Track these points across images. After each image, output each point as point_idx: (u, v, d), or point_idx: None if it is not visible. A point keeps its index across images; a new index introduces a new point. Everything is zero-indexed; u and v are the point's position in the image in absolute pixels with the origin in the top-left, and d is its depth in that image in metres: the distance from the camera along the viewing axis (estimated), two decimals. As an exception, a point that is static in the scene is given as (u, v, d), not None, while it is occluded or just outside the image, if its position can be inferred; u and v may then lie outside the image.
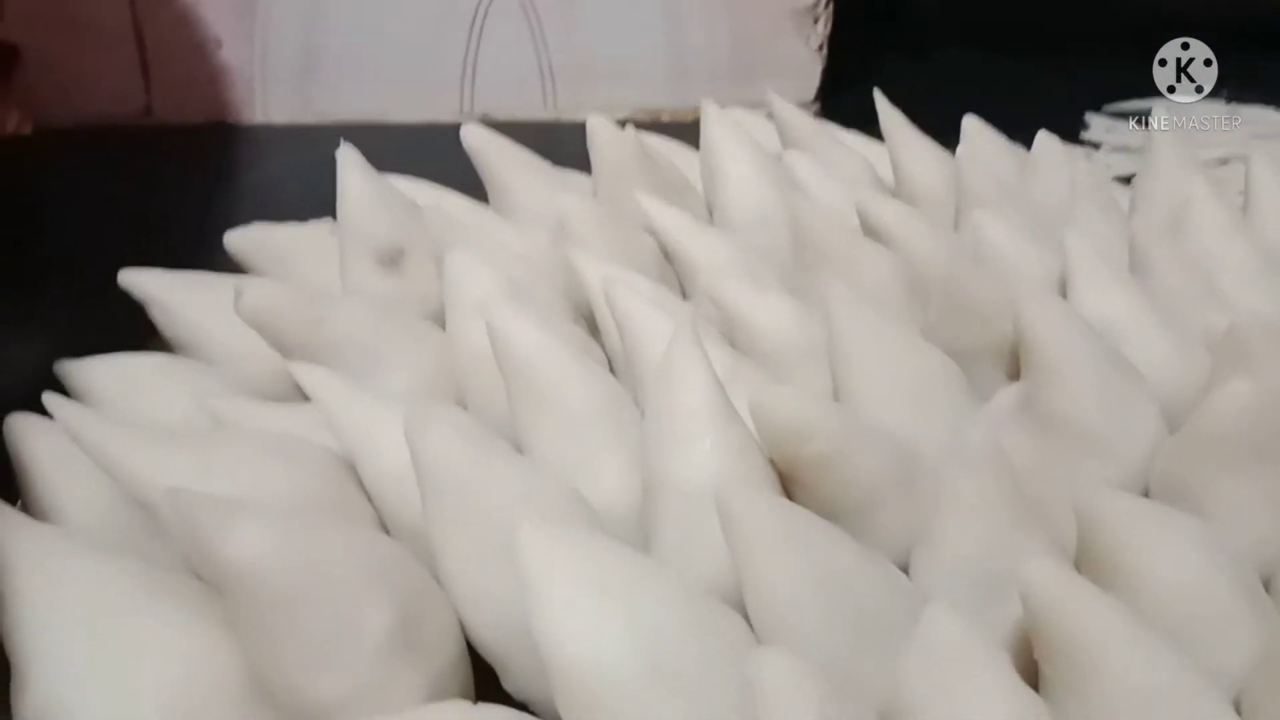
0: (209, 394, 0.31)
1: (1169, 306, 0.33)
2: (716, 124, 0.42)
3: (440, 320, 0.34)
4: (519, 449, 0.29)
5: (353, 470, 0.29)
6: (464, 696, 0.25)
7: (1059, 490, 0.27)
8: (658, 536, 0.26)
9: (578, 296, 0.35)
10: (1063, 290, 0.34)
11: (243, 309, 0.32)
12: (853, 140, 0.48)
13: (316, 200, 0.38)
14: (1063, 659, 0.22)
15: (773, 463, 0.27)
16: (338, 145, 0.37)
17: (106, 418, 0.28)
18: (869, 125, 0.46)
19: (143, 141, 0.59)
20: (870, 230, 0.38)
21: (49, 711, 0.22)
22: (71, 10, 0.57)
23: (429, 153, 0.46)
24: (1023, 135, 0.46)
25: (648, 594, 0.22)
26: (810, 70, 0.63)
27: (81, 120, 0.58)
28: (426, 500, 0.25)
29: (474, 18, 0.61)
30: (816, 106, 0.63)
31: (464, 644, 0.25)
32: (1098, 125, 0.60)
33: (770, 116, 0.48)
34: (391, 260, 0.36)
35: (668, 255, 0.38)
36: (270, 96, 0.61)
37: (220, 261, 0.39)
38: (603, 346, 0.34)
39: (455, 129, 0.41)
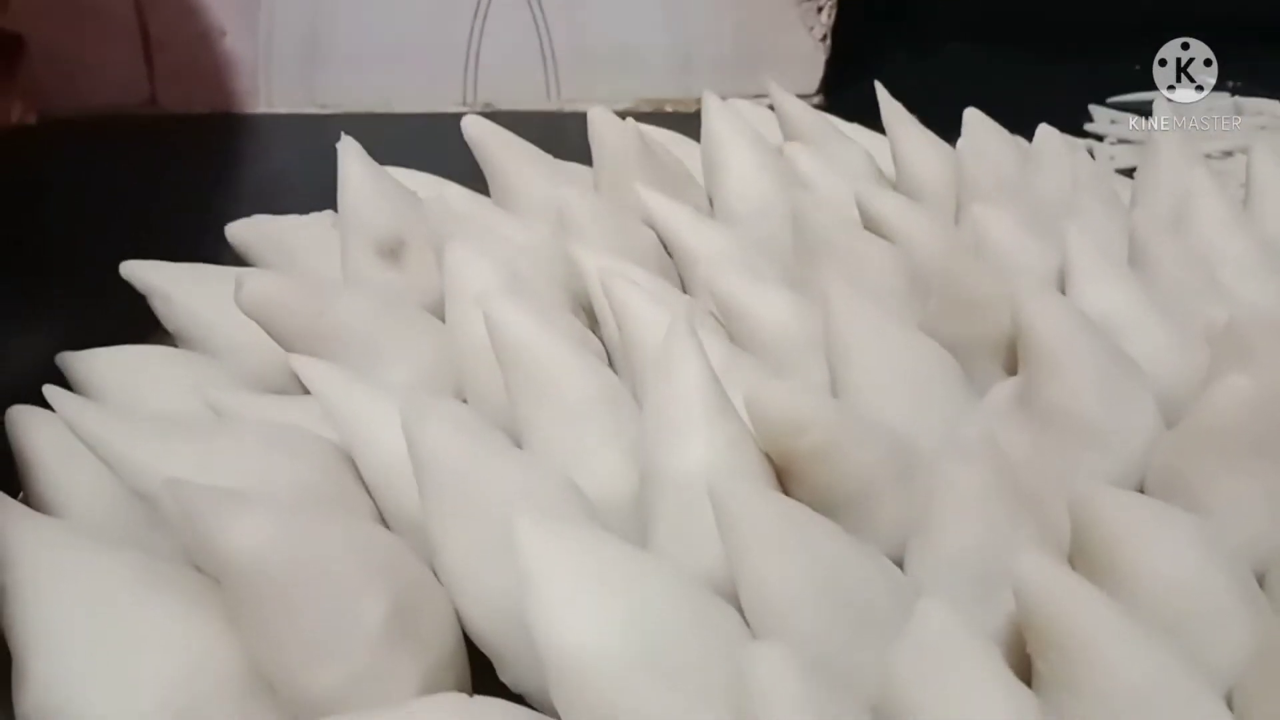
0: (210, 386, 0.31)
1: (1169, 300, 0.33)
2: (717, 115, 0.42)
3: (441, 312, 0.34)
4: (517, 441, 0.29)
5: (352, 462, 0.29)
6: (461, 688, 0.25)
7: (1055, 484, 0.27)
8: (654, 529, 0.26)
9: (577, 288, 0.35)
10: (1062, 283, 0.34)
11: (243, 301, 0.32)
12: (854, 132, 0.48)
13: (320, 190, 0.38)
14: (1056, 654, 0.22)
15: (768, 456, 0.27)
16: (341, 135, 0.38)
17: (106, 410, 0.28)
18: (873, 117, 0.46)
19: (147, 131, 0.59)
20: (870, 223, 0.37)
21: (49, 703, 0.22)
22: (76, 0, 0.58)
23: (432, 143, 0.46)
24: (1027, 127, 0.46)
25: (643, 587, 0.22)
26: (814, 61, 0.63)
27: (85, 110, 0.58)
28: (424, 493, 0.26)
29: (477, 8, 0.61)
30: (820, 98, 0.63)
31: (461, 636, 0.26)
32: (1101, 117, 0.60)
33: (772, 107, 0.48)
34: (392, 252, 0.36)
35: (668, 248, 0.38)
36: (274, 86, 0.61)
37: (224, 251, 0.39)
38: (602, 339, 0.34)
39: (459, 119, 0.41)
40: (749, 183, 0.40)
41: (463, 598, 0.25)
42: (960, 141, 0.43)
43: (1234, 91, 0.62)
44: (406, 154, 0.44)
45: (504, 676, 0.25)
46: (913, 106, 0.48)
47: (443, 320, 0.34)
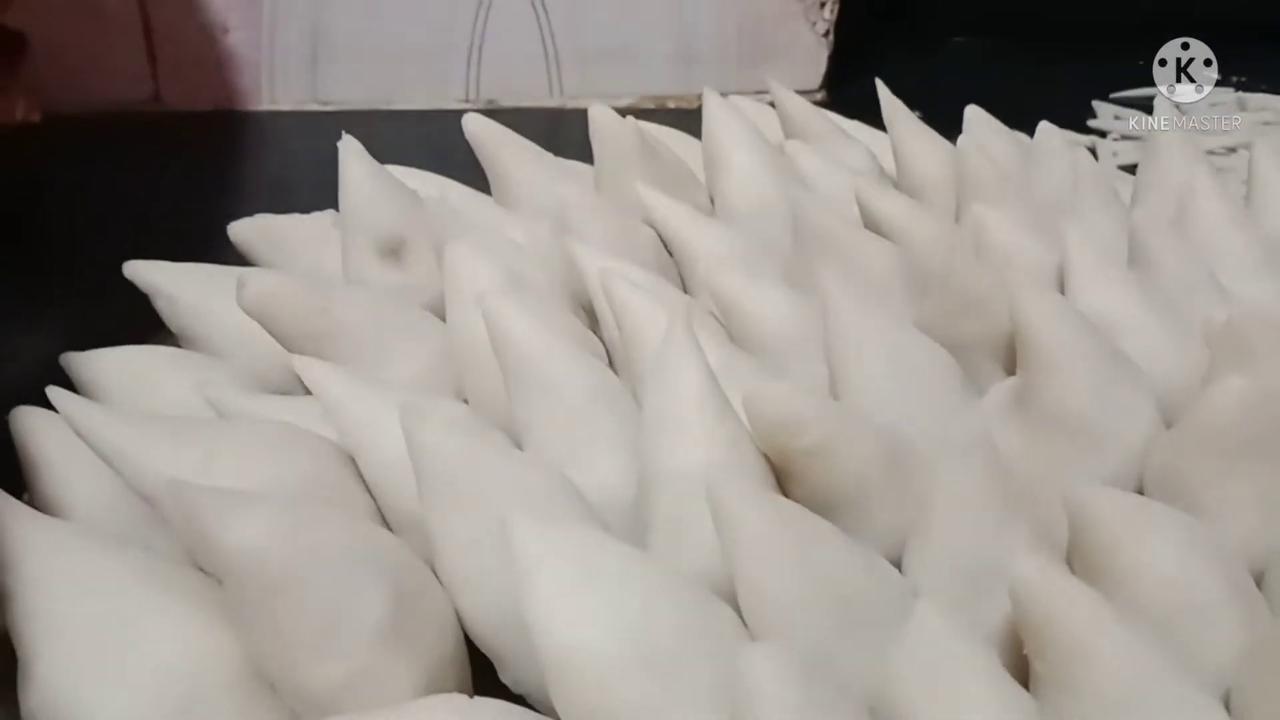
0: (213, 386, 0.32)
1: (1168, 299, 0.33)
2: (718, 113, 0.42)
3: (442, 311, 0.34)
4: (517, 441, 0.30)
5: (354, 462, 0.29)
6: (461, 689, 0.25)
7: (1053, 484, 0.27)
8: (653, 529, 0.26)
9: (578, 288, 0.35)
10: (1062, 283, 0.34)
11: (244, 300, 0.32)
12: (856, 129, 0.48)
13: (323, 186, 0.38)
14: (1053, 655, 0.22)
15: (767, 456, 0.27)
16: (344, 132, 0.38)
17: (108, 410, 0.28)
18: (876, 113, 0.46)
19: (150, 128, 0.59)
20: (871, 221, 0.38)
21: (52, 702, 0.22)
22: (79, -3, 0.58)
23: (435, 139, 0.46)
24: (1030, 123, 0.46)
25: (640, 586, 0.22)
26: (817, 57, 0.63)
27: (89, 107, 0.58)
28: (423, 493, 0.26)
29: (480, 4, 0.61)
30: (823, 94, 0.63)
31: (461, 636, 0.26)
32: (1104, 114, 0.60)
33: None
34: (393, 251, 0.37)
35: (668, 246, 0.38)
36: (277, 83, 0.61)
37: (228, 248, 0.39)
38: (602, 338, 0.34)
39: (461, 116, 0.41)
40: (749, 181, 0.40)
41: (462, 598, 0.25)
42: (961, 139, 0.43)
43: (1238, 87, 0.62)
44: (409, 151, 0.44)
45: (504, 677, 0.25)
46: (915, 103, 0.48)
47: (443, 319, 0.34)
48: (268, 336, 0.32)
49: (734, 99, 0.47)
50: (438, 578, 0.26)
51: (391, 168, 0.40)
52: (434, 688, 0.24)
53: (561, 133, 0.47)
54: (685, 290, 0.37)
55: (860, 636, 0.23)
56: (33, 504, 0.28)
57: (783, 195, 0.39)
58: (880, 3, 0.69)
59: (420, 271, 0.36)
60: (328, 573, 0.23)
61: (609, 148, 0.41)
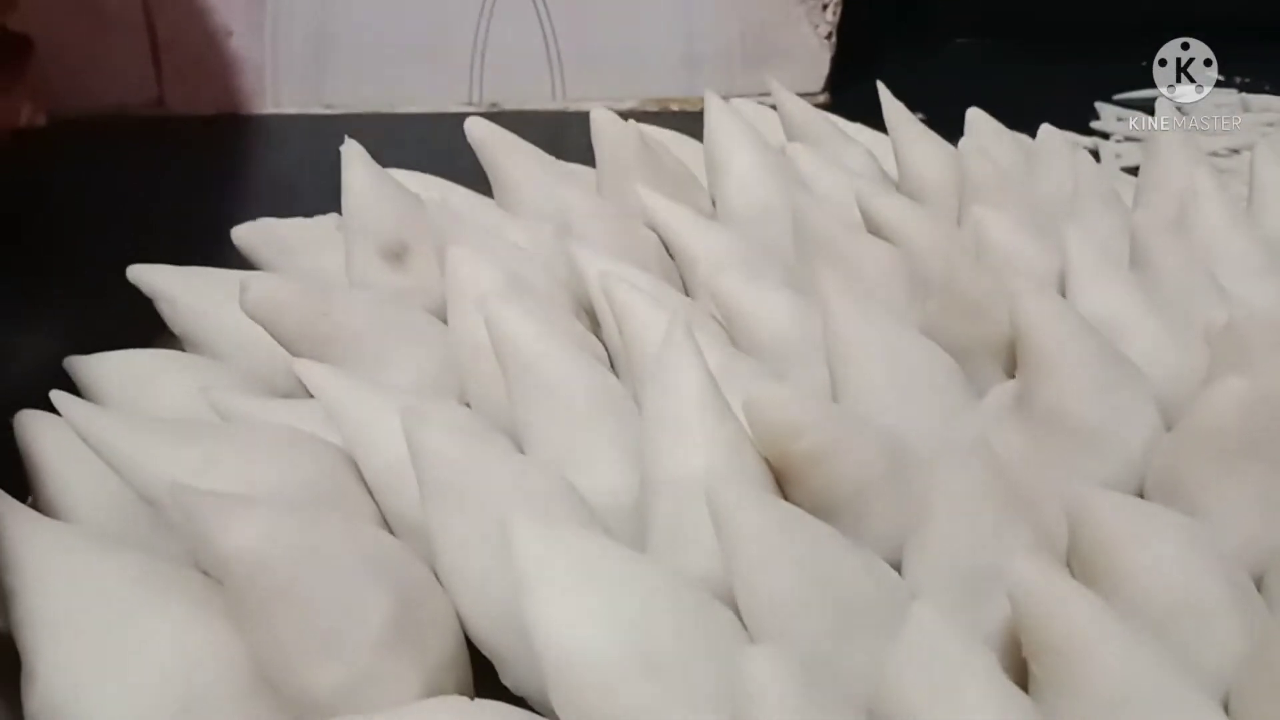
0: (215, 389, 0.32)
1: (1169, 301, 0.33)
2: (719, 115, 0.42)
3: (444, 314, 0.34)
4: (518, 444, 0.30)
5: (356, 466, 0.29)
6: (462, 691, 0.25)
7: (1052, 487, 0.27)
8: (653, 532, 0.26)
9: (580, 291, 0.35)
10: (1063, 285, 0.34)
11: (247, 304, 0.32)
12: (858, 132, 0.48)
13: (327, 189, 0.38)
14: (1050, 657, 0.22)
15: (766, 459, 0.27)
16: (348, 135, 0.38)
17: (111, 413, 0.29)
18: (879, 115, 0.46)
19: (154, 132, 0.59)
20: (872, 224, 0.38)
21: (54, 703, 0.22)
22: (83, 0, 0.58)
23: (439, 142, 0.46)
24: (1033, 124, 0.46)
25: (639, 589, 0.23)
26: (819, 59, 0.63)
27: (93, 110, 0.58)
28: (424, 496, 0.26)
29: (483, 8, 0.61)
30: (825, 96, 0.63)
31: (463, 638, 0.26)
32: (1108, 115, 0.60)
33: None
34: (395, 255, 0.37)
35: (669, 249, 0.38)
36: (281, 86, 0.61)
37: (231, 251, 0.39)
38: (603, 341, 0.34)
39: (464, 119, 0.41)
40: (750, 184, 0.40)
41: (463, 600, 0.25)
42: (962, 142, 0.43)
43: (1241, 88, 0.62)
44: (413, 154, 0.45)
45: (505, 679, 0.26)
46: (918, 104, 0.48)
47: (446, 322, 0.34)
48: (270, 340, 0.33)
49: (735, 101, 0.47)
50: (439, 580, 0.26)
51: (394, 171, 0.40)
52: (435, 690, 0.24)
53: (564, 135, 0.47)
54: (686, 293, 0.37)
55: (860, 639, 0.23)
56: (36, 507, 0.28)
57: (784, 198, 0.39)
58: (883, 4, 0.69)
59: (422, 275, 0.37)
60: (328, 576, 0.24)
61: (610, 151, 0.41)
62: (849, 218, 0.38)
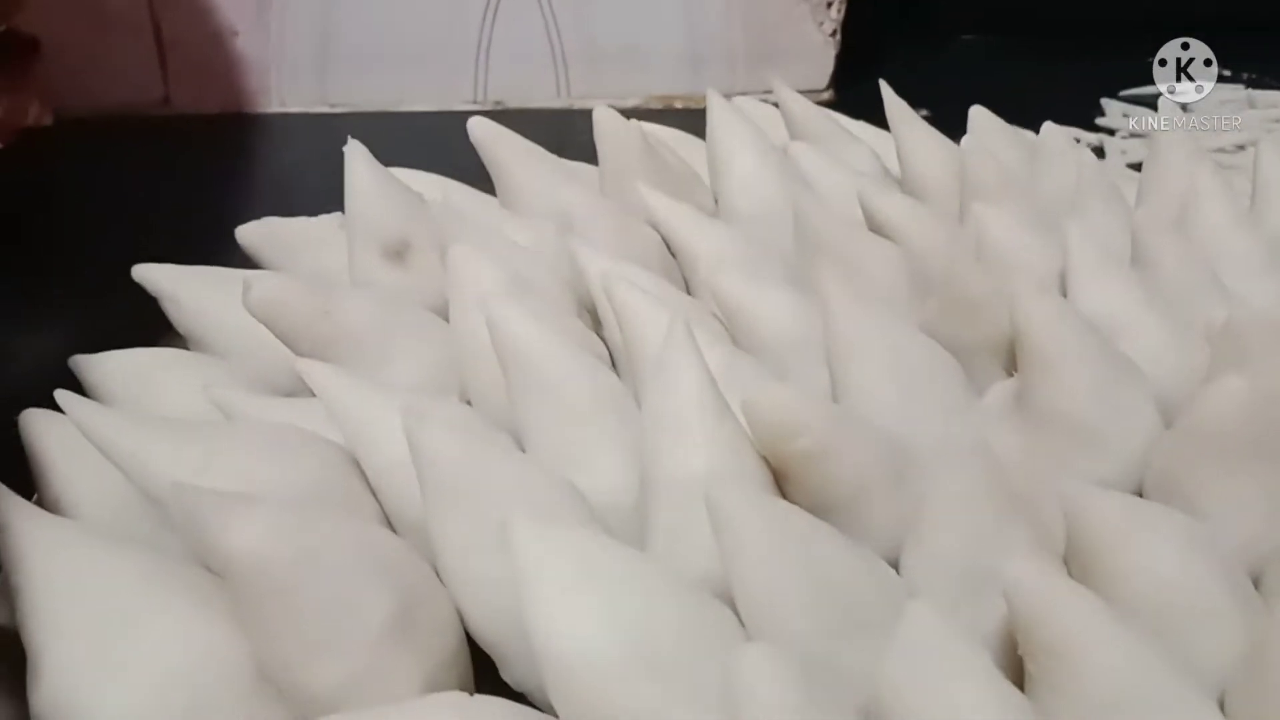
0: (220, 388, 0.32)
1: (1170, 300, 0.33)
2: (721, 114, 0.42)
3: (446, 313, 0.34)
4: (520, 443, 0.30)
5: (358, 464, 0.29)
6: (463, 687, 0.25)
7: (1051, 486, 0.27)
8: (652, 532, 0.27)
9: (582, 290, 0.35)
10: (1063, 283, 0.34)
11: (250, 303, 0.32)
12: (861, 130, 0.48)
13: (332, 188, 0.39)
14: (1046, 657, 0.22)
15: (765, 459, 0.27)
16: (353, 134, 0.38)
17: (114, 412, 0.29)
18: (884, 112, 0.46)
19: (160, 131, 0.60)
20: (873, 223, 0.38)
21: (58, 700, 0.23)
22: (89, 0, 0.58)
23: (444, 140, 0.46)
24: (1039, 120, 0.45)
25: (638, 588, 0.23)
26: (824, 56, 0.63)
27: (99, 110, 0.59)
28: (425, 494, 0.26)
29: (487, 6, 0.61)
30: (830, 93, 0.63)
31: (463, 635, 0.26)
32: (1114, 111, 0.59)
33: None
34: (398, 254, 0.37)
35: (670, 248, 0.38)
36: (286, 85, 0.62)
37: (237, 249, 0.40)
38: (605, 341, 0.34)
39: (469, 117, 0.41)
40: (752, 182, 0.40)
41: (463, 598, 0.26)
42: (965, 140, 0.43)
43: (1249, 84, 0.61)
44: (418, 152, 0.45)
45: (506, 676, 0.26)
46: (924, 101, 0.47)
47: (448, 321, 0.34)
48: (274, 339, 0.33)
49: (738, 100, 0.47)
50: (439, 578, 0.26)
51: (396, 170, 0.40)
52: (436, 686, 0.24)
53: (569, 133, 0.47)
54: (688, 292, 0.37)
55: (858, 638, 0.23)
56: (41, 504, 0.28)
57: (786, 197, 0.39)
58: (888, 1, 0.69)
59: (425, 274, 0.37)
60: (329, 574, 0.24)
61: (613, 150, 0.41)
62: (851, 216, 0.38)
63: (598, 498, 0.28)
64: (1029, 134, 0.46)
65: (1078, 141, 0.53)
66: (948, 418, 0.30)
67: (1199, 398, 0.27)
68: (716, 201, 0.43)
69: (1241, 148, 0.54)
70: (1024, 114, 0.47)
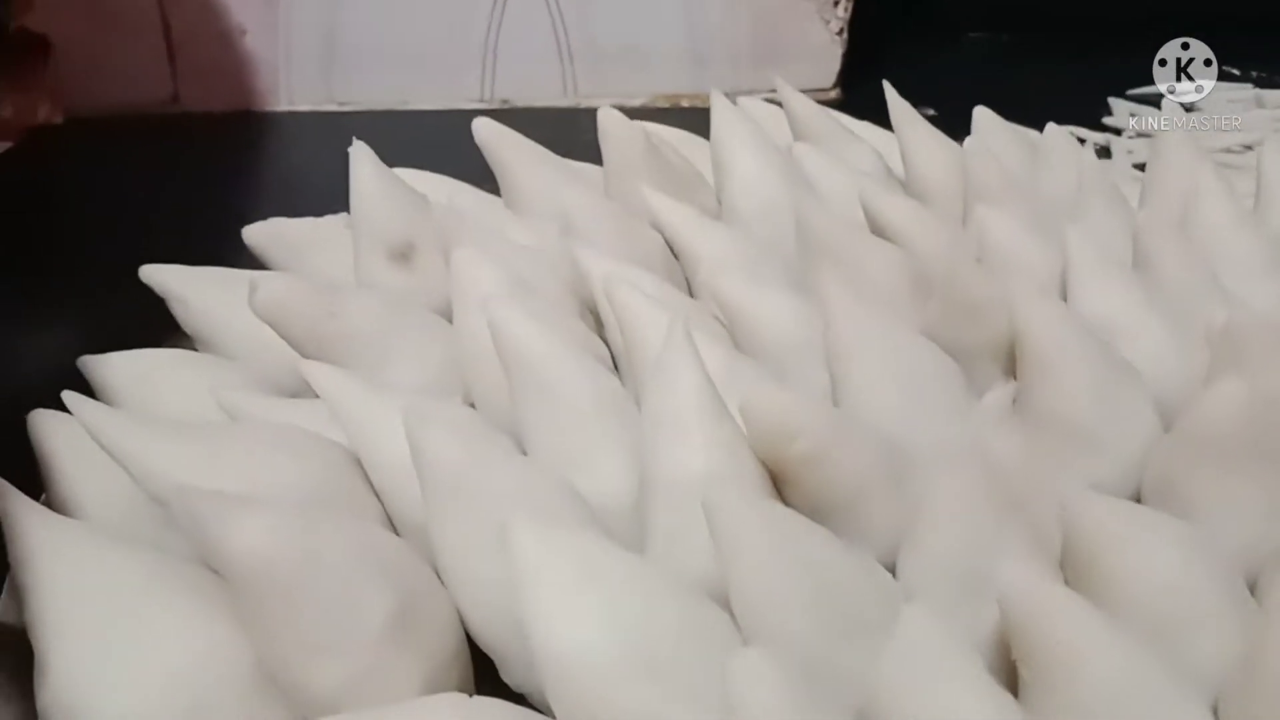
0: (226, 388, 0.32)
1: (1171, 302, 0.33)
2: (724, 115, 0.42)
3: (450, 314, 0.35)
4: (521, 444, 0.30)
5: (361, 466, 0.29)
6: (463, 688, 0.26)
7: (1049, 489, 0.27)
8: (651, 534, 0.27)
9: (585, 292, 0.36)
10: (1064, 285, 0.34)
11: (256, 304, 0.32)
12: (865, 130, 0.48)
13: (340, 186, 0.39)
14: (1040, 662, 0.22)
15: (763, 462, 0.27)
16: (361, 132, 0.38)
17: (120, 414, 0.29)
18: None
19: (169, 130, 0.60)
20: (875, 225, 0.38)
21: (65, 697, 0.23)
22: (99, 0, 0.59)
23: (450, 139, 0.46)
24: (1045, 119, 0.46)
25: (636, 590, 0.23)
26: (831, 55, 0.63)
27: (108, 109, 0.59)
28: (426, 495, 0.26)
29: (494, 5, 0.61)
30: (837, 92, 0.63)
31: (464, 636, 0.26)
32: (1120, 111, 0.59)
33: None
34: (402, 255, 0.37)
35: (673, 250, 0.38)
36: (294, 84, 0.62)
37: (245, 249, 0.40)
38: (607, 343, 0.35)
39: (476, 116, 0.41)
40: (754, 184, 0.40)
41: (463, 599, 0.26)
42: (968, 141, 0.43)
43: (1257, 83, 0.61)
44: (425, 151, 0.45)
45: (506, 677, 0.26)
46: (930, 100, 0.47)
47: (452, 323, 0.34)
48: (280, 340, 0.33)
49: (742, 100, 0.47)
50: (440, 579, 0.26)
51: (401, 171, 0.40)
52: (436, 687, 0.24)
53: (576, 133, 0.47)
54: (690, 293, 0.37)
55: (854, 641, 0.24)
56: (48, 504, 0.28)
57: (788, 198, 0.39)
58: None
59: (429, 275, 0.37)
60: (331, 575, 0.24)
61: (617, 151, 0.41)
62: (853, 218, 0.38)
63: (598, 500, 0.28)
64: (1033, 134, 0.46)
65: (1083, 142, 0.53)
66: (947, 420, 0.30)
67: (1198, 400, 0.27)
68: (720, 202, 0.43)
69: (1249, 147, 0.54)
70: (1030, 113, 0.47)
